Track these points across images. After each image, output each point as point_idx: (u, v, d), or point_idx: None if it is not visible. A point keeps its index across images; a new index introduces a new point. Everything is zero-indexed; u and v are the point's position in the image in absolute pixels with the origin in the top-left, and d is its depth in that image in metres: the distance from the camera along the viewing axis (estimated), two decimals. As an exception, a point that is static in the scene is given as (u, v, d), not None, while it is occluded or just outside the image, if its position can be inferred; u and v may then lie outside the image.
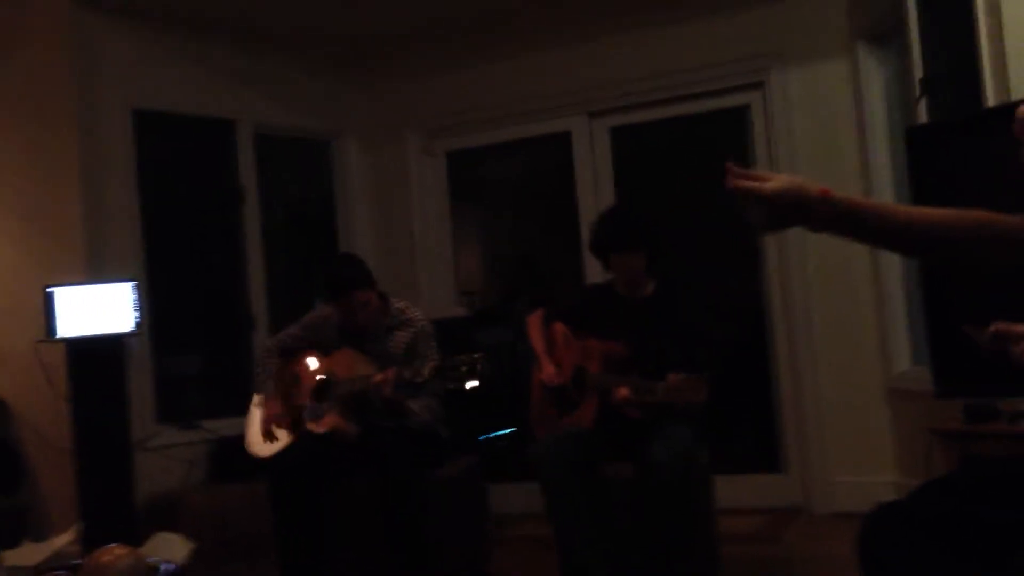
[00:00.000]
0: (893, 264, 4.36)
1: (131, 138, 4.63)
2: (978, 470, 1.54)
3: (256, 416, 3.75)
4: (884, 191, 4.39)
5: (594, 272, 4.67)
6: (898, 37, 4.16)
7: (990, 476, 1.50)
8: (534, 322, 3.66)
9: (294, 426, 3.60)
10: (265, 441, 3.61)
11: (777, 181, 1.47)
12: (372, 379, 3.40)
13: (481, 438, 5.10)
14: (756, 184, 1.46)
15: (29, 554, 1.96)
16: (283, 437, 3.61)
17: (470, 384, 3.15)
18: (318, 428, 3.53)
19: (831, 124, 4.61)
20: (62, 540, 2.01)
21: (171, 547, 2.25)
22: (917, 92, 3.85)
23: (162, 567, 1.88)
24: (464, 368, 3.15)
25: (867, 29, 4.41)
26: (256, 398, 3.80)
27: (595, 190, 5.13)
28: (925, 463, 3.32)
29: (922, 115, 3.83)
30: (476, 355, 3.17)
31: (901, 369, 4.36)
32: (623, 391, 3.13)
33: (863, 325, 4.52)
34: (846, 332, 4.57)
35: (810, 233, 4.60)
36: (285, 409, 3.64)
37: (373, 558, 3.40)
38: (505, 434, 5.27)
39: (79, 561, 1.97)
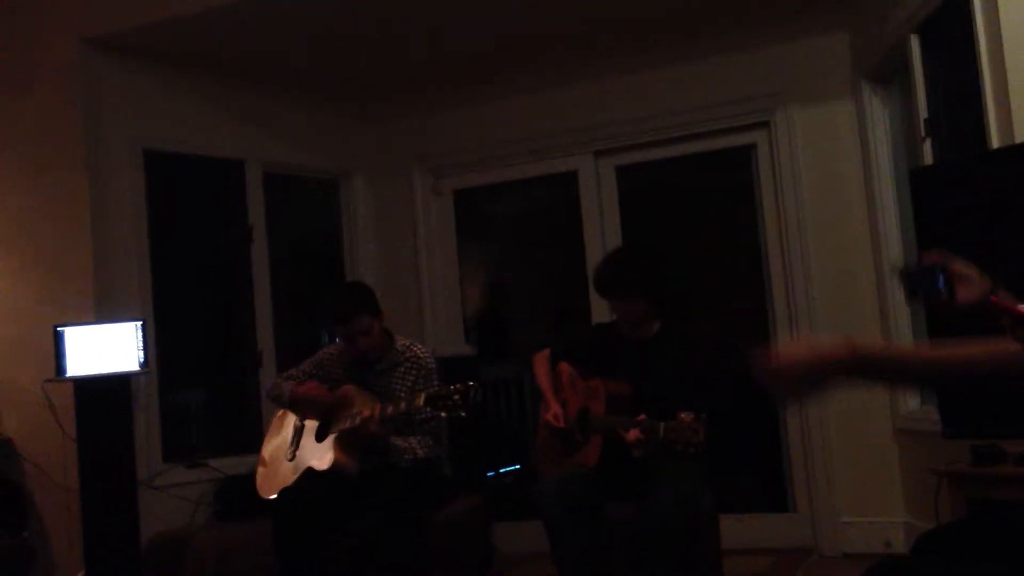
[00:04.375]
0: (901, 304, 4.35)
1: (140, 178, 4.66)
2: (982, 520, 1.53)
3: (270, 446, 3.78)
4: (889, 230, 4.40)
5: (600, 310, 4.68)
6: (902, 78, 4.18)
7: (994, 527, 1.48)
8: (540, 361, 3.66)
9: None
10: (281, 465, 3.63)
11: (792, 352, 1.49)
12: (361, 414, 3.41)
13: (488, 475, 5.09)
14: (770, 363, 1.50)
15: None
16: (290, 471, 3.63)
17: (463, 412, 3.17)
18: (320, 465, 3.53)
19: (836, 163, 4.62)
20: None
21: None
22: (922, 133, 3.87)
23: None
24: (457, 396, 3.17)
25: (871, 69, 4.44)
26: (272, 429, 3.84)
27: (601, 228, 5.14)
28: (933, 504, 3.29)
29: (927, 155, 3.85)
30: (471, 384, 3.18)
31: (909, 409, 4.33)
32: (633, 433, 3.12)
33: (871, 364, 4.50)
34: (854, 371, 4.55)
35: (815, 272, 4.63)
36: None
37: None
38: (511, 471, 5.25)
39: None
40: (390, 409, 3.39)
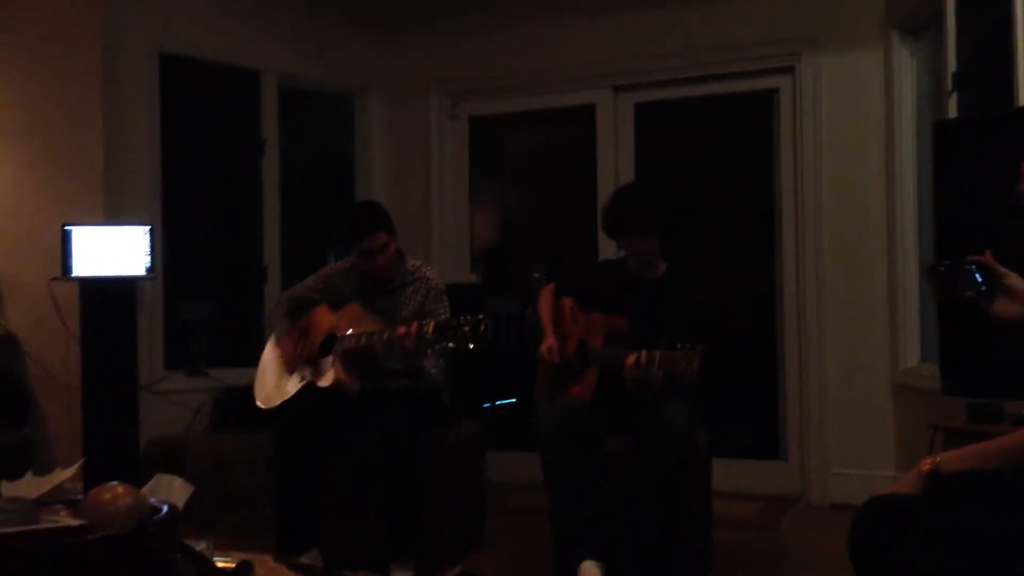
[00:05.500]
0: (909, 258, 4.33)
1: (155, 81, 4.62)
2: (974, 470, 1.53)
3: (268, 360, 3.77)
4: (907, 184, 4.35)
5: (608, 247, 4.66)
6: (933, 29, 4.10)
7: (985, 477, 1.49)
8: (545, 295, 3.66)
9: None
10: (282, 379, 3.63)
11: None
12: (367, 334, 3.38)
13: (485, 405, 5.13)
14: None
15: (30, 486, 1.97)
16: (292, 384, 3.63)
17: (471, 344, 3.12)
18: (322, 381, 3.54)
19: (859, 113, 4.56)
20: (63, 475, 2.02)
21: (171, 489, 2.26)
22: (949, 86, 3.80)
23: (162, 508, 1.88)
24: (467, 328, 3.13)
25: (903, 19, 4.35)
26: (268, 345, 3.82)
27: (616, 165, 5.10)
28: (926, 460, 3.30)
29: (952, 110, 3.79)
30: (480, 316, 3.15)
31: (909, 364, 4.33)
32: (631, 359, 3.08)
33: (875, 318, 4.49)
34: (857, 324, 4.55)
35: (827, 223, 4.58)
36: (295, 356, 3.66)
37: (370, 514, 3.42)
38: (508, 403, 5.29)
39: (79, 497, 1.97)
40: (399, 331, 3.33)
